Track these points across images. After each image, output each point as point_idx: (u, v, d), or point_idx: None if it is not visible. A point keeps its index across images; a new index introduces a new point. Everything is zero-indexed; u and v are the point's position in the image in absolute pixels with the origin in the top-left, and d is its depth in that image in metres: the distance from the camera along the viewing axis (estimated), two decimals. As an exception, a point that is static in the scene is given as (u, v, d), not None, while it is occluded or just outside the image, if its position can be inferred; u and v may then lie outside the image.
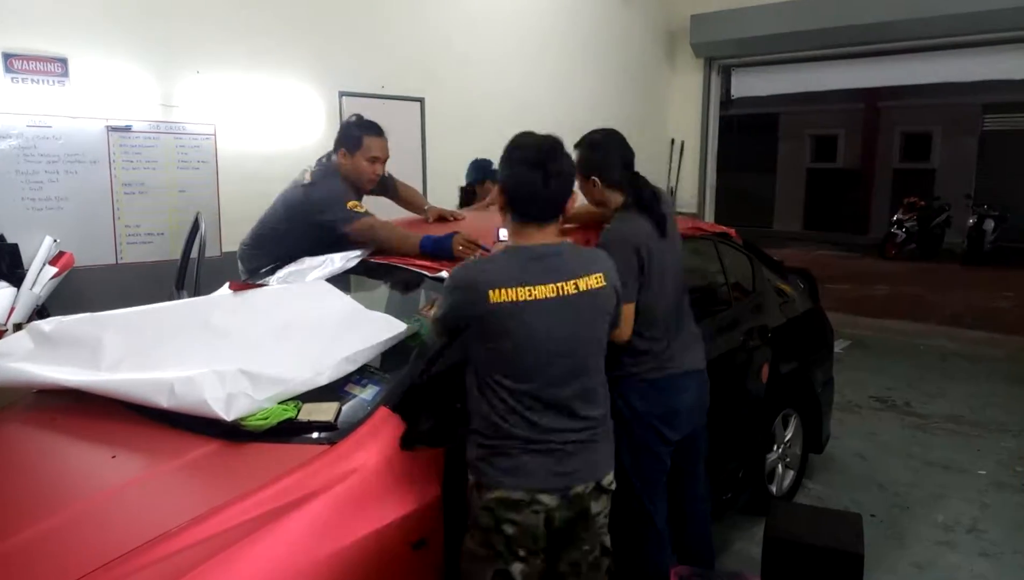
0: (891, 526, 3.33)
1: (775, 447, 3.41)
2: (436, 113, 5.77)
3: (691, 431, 2.40)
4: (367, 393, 2.03)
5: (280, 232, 2.92)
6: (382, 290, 2.83)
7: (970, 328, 7.35)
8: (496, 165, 1.98)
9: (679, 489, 2.49)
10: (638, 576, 2.37)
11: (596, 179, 2.33)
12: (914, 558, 3.07)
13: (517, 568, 1.79)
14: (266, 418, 1.90)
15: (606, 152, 2.35)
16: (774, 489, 3.44)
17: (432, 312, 2.08)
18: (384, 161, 2.96)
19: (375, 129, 2.92)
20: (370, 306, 2.58)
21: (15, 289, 3.44)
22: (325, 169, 2.94)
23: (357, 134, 2.88)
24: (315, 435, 1.90)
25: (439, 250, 2.54)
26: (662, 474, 2.37)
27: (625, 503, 2.28)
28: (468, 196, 4.26)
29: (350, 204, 2.76)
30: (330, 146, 3.03)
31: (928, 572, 2.98)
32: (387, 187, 3.20)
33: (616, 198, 2.36)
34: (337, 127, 3.14)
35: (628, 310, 2.18)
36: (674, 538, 2.50)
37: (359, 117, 2.99)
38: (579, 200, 2.23)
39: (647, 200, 2.31)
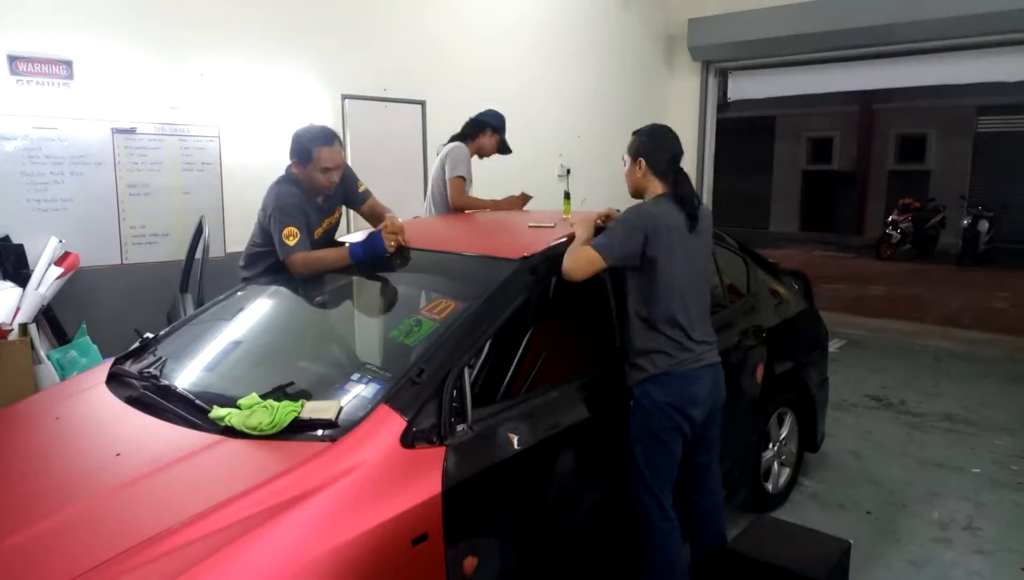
0: (887, 523, 3.36)
1: (771, 445, 3.45)
2: (437, 116, 5.80)
3: (705, 422, 2.46)
4: (368, 391, 2.04)
5: (262, 252, 2.88)
6: (383, 291, 2.85)
7: (965, 328, 7.38)
8: None
9: (691, 482, 2.56)
10: (655, 566, 2.44)
11: (643, 161, 2.48)
12: (910, 555, 3.10)
13: None
14: (273, 426, 1.91)
15: (658, 141, 2.51)
16: (770, 487, 3.48)
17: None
18: (338, 169, 2.77)
19: (326, 138, 2.71)
20: (373, 306, 2.61)
21: (21, 289, 3.46)
22: (287, 173, 2.84)
23: (307, 147, 2.69)
24: (316, 432, 1.91)
25: (370, 250, 2.64)
26: (673, 468, 2.44)
27: (636, 495, 2.38)
28: None
29: (285, 232, 2.67)
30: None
31: (924, 569, 3.00)
32: (353, 198, 3.05)
33: (656, 187, 2.49)
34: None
35: (589, 253, 2.33)
36: (688, 531, 2.56)
37: (310, 127, 2.81)
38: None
39: (684, 193, 2.45)
